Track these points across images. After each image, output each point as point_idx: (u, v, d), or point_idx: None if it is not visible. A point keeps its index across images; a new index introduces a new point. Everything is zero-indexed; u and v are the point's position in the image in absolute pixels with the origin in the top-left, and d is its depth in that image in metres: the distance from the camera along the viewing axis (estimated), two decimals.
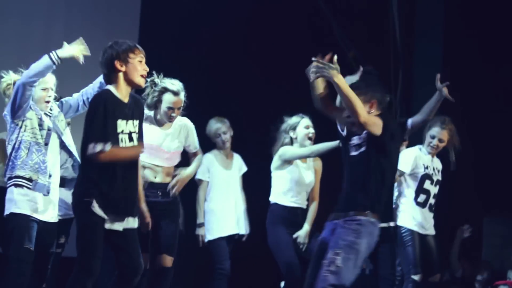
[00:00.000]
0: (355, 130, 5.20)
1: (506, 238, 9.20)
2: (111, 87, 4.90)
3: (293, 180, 6.79)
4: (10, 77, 5.70)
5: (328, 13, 9.40)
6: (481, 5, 9.20)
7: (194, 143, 6.23)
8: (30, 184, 5.54)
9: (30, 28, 7.57)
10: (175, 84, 6.03)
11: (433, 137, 7.13)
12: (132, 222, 4.97)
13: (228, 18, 8.87)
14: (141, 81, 4.95)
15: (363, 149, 5.20)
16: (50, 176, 5.64)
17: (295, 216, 6.80)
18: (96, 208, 4.75)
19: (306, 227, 6.81)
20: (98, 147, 4.70)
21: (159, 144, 6.02)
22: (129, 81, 4.91)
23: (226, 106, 8.12)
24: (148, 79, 5.94)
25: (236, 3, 8.90)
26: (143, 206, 5.66)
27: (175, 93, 6.00)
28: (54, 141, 5.73)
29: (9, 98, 5.65)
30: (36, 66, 5.41)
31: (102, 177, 4.79)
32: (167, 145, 6.07)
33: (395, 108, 9.30)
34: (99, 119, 4.77)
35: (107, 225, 4.83)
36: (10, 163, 5.59)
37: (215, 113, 7.54)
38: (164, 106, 6.00)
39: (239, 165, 7.57)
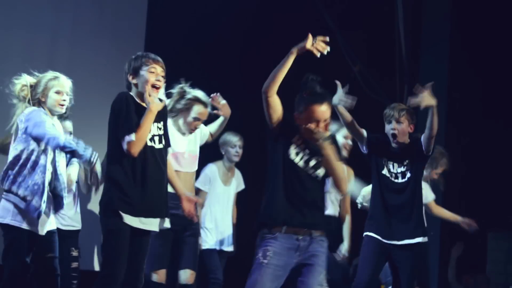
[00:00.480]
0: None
1: (511, 253, 9.18)
2: (131, 92, 4.96)
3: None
4: (25, 79, 5.54)
5: (333, 27, 9.43)
6: (487, 22, 9.20)
7: (207, 130, 6.26)
8: (24, 203, 5.39)
9: (36, 40, 7.57)
10: (205, 96, 6.02)
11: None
12: (159, 223, 4.95)
13: (233, 28, 8.90)
14: (153, 93, 4.91)
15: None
16: (46, 197, 5.44)
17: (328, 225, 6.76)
18: (125, 218, 4.76)
19: (347, 243, 6.94)
20: (127, 138, 4.73)
21: (183, 150, 5.98)
22: (141, 94, 4.92)
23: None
24: (177, 86, 5.97)
25: (242, 13, 8.92)
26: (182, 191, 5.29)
27: (206, 105, 5.99)
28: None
29: (23, 101, 5.52)
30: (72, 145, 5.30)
31: (128, 181, 4.79)
32: (190, 149, 6.04)
33: None
34: (124, 112, 4.79)
35: (135, 224, 4.82)
36: (12, 176, 5.49)
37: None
38: (191, 116, 5.96)
39: (238, 182, 7.57)
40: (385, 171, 6.09)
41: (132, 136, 4.75)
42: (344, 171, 4.88)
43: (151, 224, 4.92)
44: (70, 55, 7.85)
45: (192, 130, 6.02)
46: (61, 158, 5.58)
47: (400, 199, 6.05)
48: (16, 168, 5.43)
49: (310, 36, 4.62)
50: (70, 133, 6.16)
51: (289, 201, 4.72)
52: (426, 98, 5.91)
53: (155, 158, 4.91)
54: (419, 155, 6.09)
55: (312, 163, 4.77)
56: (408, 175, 6.07)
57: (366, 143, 6.14)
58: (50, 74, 5.59)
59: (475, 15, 9.18)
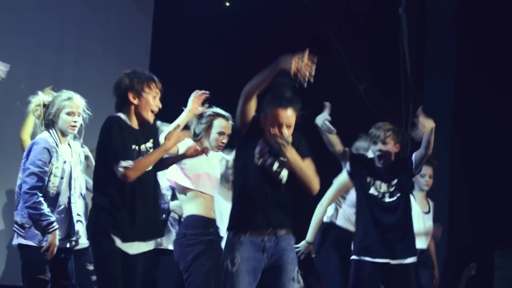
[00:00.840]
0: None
1: None
2: (121, 114, 4.78)
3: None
4: (39, 98, 5.58)
5: (339, 46, 9.45)
6: (492, 39, 9.21)
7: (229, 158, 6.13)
8: (23, 231, 5.44)
9: (42, 55, 7.60)
10: (223, 110, 5.91)
11: (423, 176, 7.18)
12: (153, 244, 4.90)
13: (239, 45, 8.92)
14: (150, 117, 4.80)
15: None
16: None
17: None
18: (116, 242, 4.65)
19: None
20: (124, 163, 4.57)
21: (208, 172, 5.82)
22: (138, 115, 4.78)
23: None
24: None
25: (247, 30, 8.95)
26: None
27: (227, 118, 5.88)
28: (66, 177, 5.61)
29: (38, 119, 5.57)
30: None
31: (116, 207, 4.65)
32: (213, 172, 5.86)
33: (406, 140, 9.30)
34: (115, 138, 4.63)
35: (125, 249, 4.71)
36: (16, 204, 5.51)
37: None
38: (214, 132, 5.84)
39: None
40: (372, 191, 5.98)
41: (130, 162, 4.58)
42: (313, 169, 4.83)
43: (141, 247, 4.81)
44: (76, 70, 7.87)
45: (220, 146, 5.88)
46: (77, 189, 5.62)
47: (392, 218, 5.95)
48: (15, 197, 5.51)
49: (293, 62, 4.50)
50: (87, 157, 6.11)
51: (252, 203, 4.71)
52: (426, 123, 5.82)
53: (142, 181, 4.75)
54: (408, 174, 6.02)
55: (276, 165, 4.75)
56: (398, 194, 5.98)
57: (350, 162, 6.08)
58: (64, 94, 5.62)
59: (480, 32, 9.19)
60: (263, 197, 4.72)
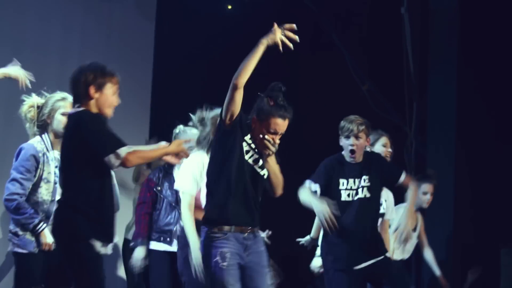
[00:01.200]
0: None
1: None
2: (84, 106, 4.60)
3: None
4: (33, 100, 5.54)
5: (342, 46, 9.45)
6: (495, 38, 9.19)
7: None
8: (17, 239, 5.40)
9: (45, 61, 7.61)
10: None
11: (425, 193, 7.18)
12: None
13: (241, 52, 8.91)
14: (109, 113, 4.67)
15: None
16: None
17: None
18: (97, 247, 4.52)
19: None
20: (126, 147, 4.43)
21: None
22: (98, 109, 4.63)
23: None
24: (194, 116, 5.77)
25: (247, 32, 8.93)
26: None
27: None
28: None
29: (30, 122, 5.52)
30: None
31: (89, 203, 4.49)
32: None
33: (411, 140, 9.30)
34: (108, 130, 4.51)
35: (105, 251, 4.61)
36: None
37: None
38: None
39: None
40: (343, 193, 5.91)
41: (126, 148, 4.42)
42: (279, 174, 4.89)
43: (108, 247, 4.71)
44: None
45: None
46: None
47: (358, 218, 5.86)
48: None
49: (276, 27, 4.60)
50: None
51: (237, 198, 4.72)
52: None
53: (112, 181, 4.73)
54: (378, 171, 5.96)
55: (260, 162, 4.80)
56: (367, 193, 5.91)
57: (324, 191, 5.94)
58: (58, 94, 5.57)
59: (483, 31, 9.18)
60: (248, 194, 4.73)
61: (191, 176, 5.58)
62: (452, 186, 9.04)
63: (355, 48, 9.54)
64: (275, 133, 4.76)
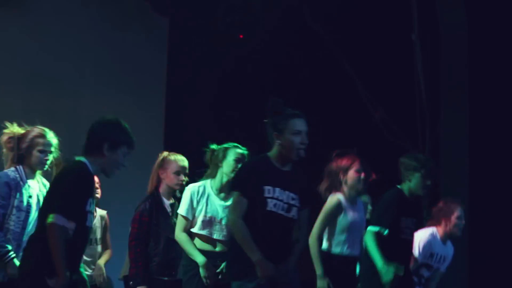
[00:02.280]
0: None
1: None
2: (87, 162, 4.44)
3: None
4: (13, 130, 5.41)
5: (353, 74, 9.47)
6: (505, 64, 9.20)
7: None
8: None
9: (59, 94, 7.67)
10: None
11: (460, 218, 6.88)
12: None
13: (253, 83, 8.95)
14: (113, 173, 4.53)
15: None
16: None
17: None
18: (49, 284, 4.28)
19: None
20: (63, 220, 4.26)
21: (220, 216, 5.82)
22: (104, 169, 4.49)
23: None
24: (207, 149, 5.86)
25: (258, 60, 8.98)
26: None
27: (238, 146, 5.90)
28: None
29: (8, 151, 5.40)
30: None
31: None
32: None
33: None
34: (80, 193, 4.37)
35: None
36: None
37: None
38: (230, 159, 5.81)
39: None
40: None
41: (71, 224, 4.30)
42: None
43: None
44: (92, 109, 7.90)
45: (234, 170, 5.80)
46: None
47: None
48: None
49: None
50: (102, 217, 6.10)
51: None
52: None
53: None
54: None
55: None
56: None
57: None
58: (37, 130, 5.44)
59: (493, 56, 9.19)
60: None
61: (188, 201, 5.80)
62: (466, 211, 9.00)
63: (366, 75, 9.55)
64: (299, 133, 4.87)
